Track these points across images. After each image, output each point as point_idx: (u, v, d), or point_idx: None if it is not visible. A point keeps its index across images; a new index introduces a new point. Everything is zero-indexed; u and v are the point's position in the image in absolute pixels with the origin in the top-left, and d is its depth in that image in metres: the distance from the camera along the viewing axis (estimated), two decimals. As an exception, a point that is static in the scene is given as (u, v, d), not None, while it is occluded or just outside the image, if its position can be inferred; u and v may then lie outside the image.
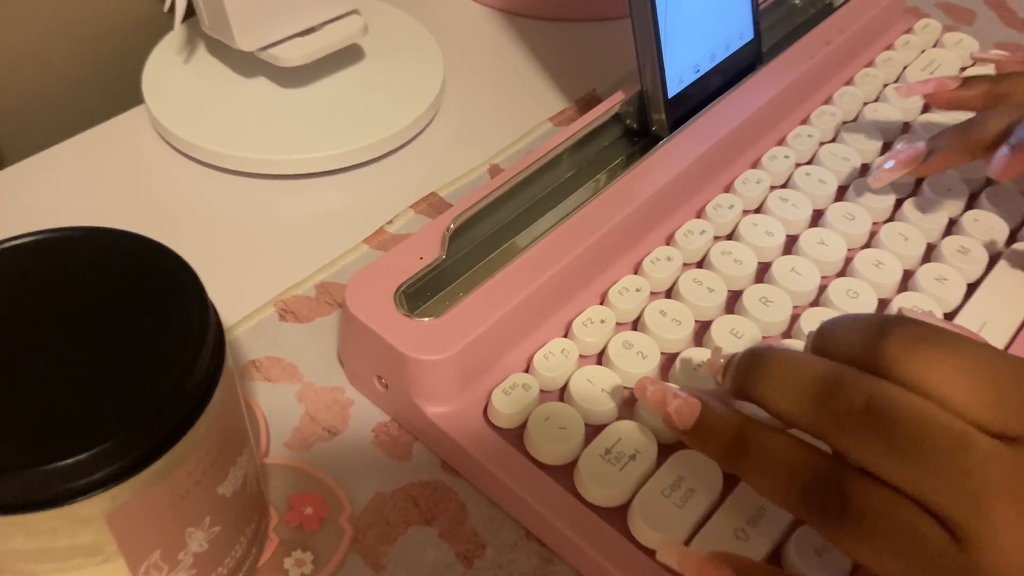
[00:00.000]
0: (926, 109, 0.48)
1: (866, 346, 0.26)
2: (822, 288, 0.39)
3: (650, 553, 0.31)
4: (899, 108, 0.48)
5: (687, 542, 0.30)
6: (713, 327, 0.37)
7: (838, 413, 0.25)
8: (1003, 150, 0.36)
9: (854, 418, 0.25)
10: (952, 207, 0.42)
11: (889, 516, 0.24)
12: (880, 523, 0.24)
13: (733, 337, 0.36)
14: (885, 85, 0.50)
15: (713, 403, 0.29)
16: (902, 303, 0.38)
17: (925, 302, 0.38)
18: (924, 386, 0.24)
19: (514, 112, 0.51)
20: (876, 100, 0.49)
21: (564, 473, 0.33)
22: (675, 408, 0.29)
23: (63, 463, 0.21)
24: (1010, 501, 0.23)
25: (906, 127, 0.47)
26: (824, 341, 0.28)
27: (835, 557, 0.30)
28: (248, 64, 0.49)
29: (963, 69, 0.52)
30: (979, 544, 0.23)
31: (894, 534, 0.24)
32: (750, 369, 0.28)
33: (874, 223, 0.42)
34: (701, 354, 0.36)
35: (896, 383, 0.25)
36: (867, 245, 0.41)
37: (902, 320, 0.26)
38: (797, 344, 0.36)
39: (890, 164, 0.40)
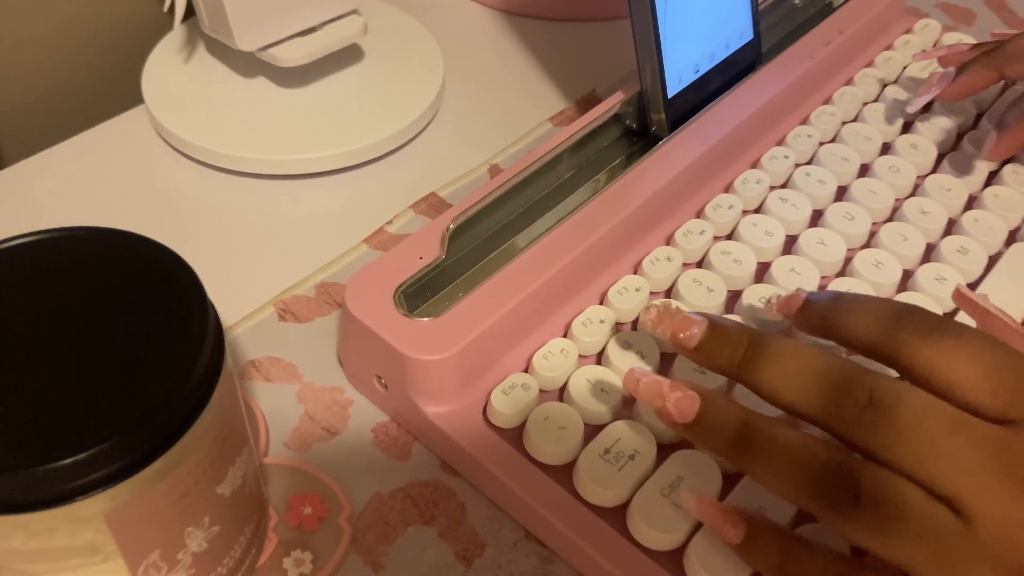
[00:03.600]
0: (926, 110, 0.48)
1: (882, 330, 0.27)
2: (822, 288, 0.39)
3: (649, 553, 0.31)
4: (899, 108, 0.48)
5: (686, 542, 0.31)
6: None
7: (845, 407, 0.26)
8: (992, 135, 0.39)
9: (862, 412, 0.26)
10: (952, 207, 0.42)
11: (902, 501, 0.25)
12: (894, 509, 0.25)
13: (732, 337, 0.36)
14: (885, 85, 0.50)
15: (713, 395, 0.28)
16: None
17: (924, 302, 0.38)
18: (933, 371, 0.26)
19: (514, 112, 0.51)
20: (876, 100, 0.49)
21: (563, 473, 0.33)
22: (674, 401, 0.28)
23: (63, 463, 0.21)
24: (1006, 476, 0.24)
25: (906, 127, 0.47)
26: (837, 318, 0.29)
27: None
28: (248, 64, 0.49)
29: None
30: (981, 518, 0.24)
31: (908, 518, 0.25)
32: (750, 355, 0.28)
33: (874, 223, 0.42)
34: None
35: (907, 367, 0.26)
36: (867, 245, 0.41)
37: (918, 310, 0.27)
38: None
39: (922, 89, 0.43)
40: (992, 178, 0.45)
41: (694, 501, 0.29)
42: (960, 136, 0.47)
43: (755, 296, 0.38)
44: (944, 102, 0.44)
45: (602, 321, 0.37)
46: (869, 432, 0.25)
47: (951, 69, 0.42)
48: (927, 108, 0.48)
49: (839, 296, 0.30)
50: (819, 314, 0.30)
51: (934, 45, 0.53)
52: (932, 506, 0.25)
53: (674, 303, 0.32)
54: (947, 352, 0.26)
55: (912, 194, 0.43)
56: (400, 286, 0.35)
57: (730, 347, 0.29)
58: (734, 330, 0.29)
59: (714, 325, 0.29)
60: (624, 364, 0.35)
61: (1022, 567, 0.24)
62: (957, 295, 0.33)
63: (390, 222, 0.44)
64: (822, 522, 0.26)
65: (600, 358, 0.37)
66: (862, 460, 0.26)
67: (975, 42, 0.52)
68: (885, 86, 0.50)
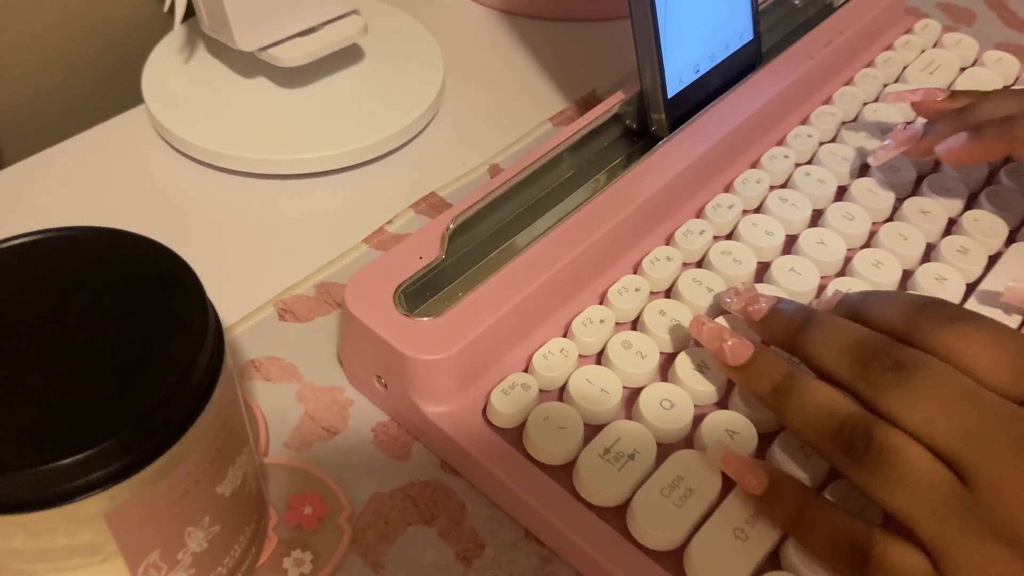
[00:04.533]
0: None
1: (906, 319, 0.30)
2: (822, 288, 0.39)
3: (649, 553, 0.31)
4: (899, 108, 0.48)
5: (686, 542, 0.31)
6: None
7: (871, 369, 0.29)
8: (961, 135, 0.38)
9: (884, 373, 0.28)
10: (952, 207, 0.42)
11: (905, 456, 0.27)
12: (896, 460, 0.27)
13: (732, 337, 0.36)
14: (885, 85, 0.50)
15: (763, 348, 0.32)
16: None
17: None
18: (953, 354, 0.28)
19: (514, 112, 0.51)
20: (876, 100, 0.49)
21: (563, 473, 0.33)
22: (731, 345, 0.32)
23: (62, 463, 0.21)
24: (1010, 446, 0.26)
25: (905, 127, 0.47)
26: (867, 309, 0.32)
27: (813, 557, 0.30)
28: (248, 64, 0.49)
29: (963, 70, 0.52)
30: (981, 482, 0.26)
31: (908, 470, 0.27)
32: (802, 327, 0.32)
33: (874, 223, 0.42)
34: (701, 354, 0.36)
35: (928, 350, 0.29)
36: (867, 245, 0.41)
37: (941, 301, 0.30)
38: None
39: (888, 143, 0.42)
40: (992, 178, 0.45)
41: (720, 453, 0.32)
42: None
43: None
44: (924, 117, 0.44)
45: (602, 321, 0.37)
46: (888, 390, 0.28)
47: (919, 125, 0.41)
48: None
49: (869, 293, 0.33)
50: (850, 310, 0.33)
51: (934, 45, 0.53)
52: (933, 463, 0.27)
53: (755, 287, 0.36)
54: (967, 337, 0.28)
55: (912, 193, 0.43)
56: (400, 286, 0.35)
57: (786, 323, 0.32)
58: (792, 309, 0.33)
59: (778, 304, 0.33)
60: (624, 364, 0.35)
61: (1016, 535, 0.25)
62: (1011, 292, 0.37)
63: (390, 222, 0.44)
64: (837, 467, 0.29)
65: (600, 358, 0.37)
66: (880, 419, 0.28)
67: (974, 46, 0.52)
68: (885, 86, 0.50)
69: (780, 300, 0.34)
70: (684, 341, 0.37)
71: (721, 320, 0.36)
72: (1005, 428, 0.26)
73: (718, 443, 0.32)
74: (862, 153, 0.45)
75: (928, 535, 0.26)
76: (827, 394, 0.30)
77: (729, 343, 0.32)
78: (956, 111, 0.40)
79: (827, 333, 0.31)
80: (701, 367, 0.35)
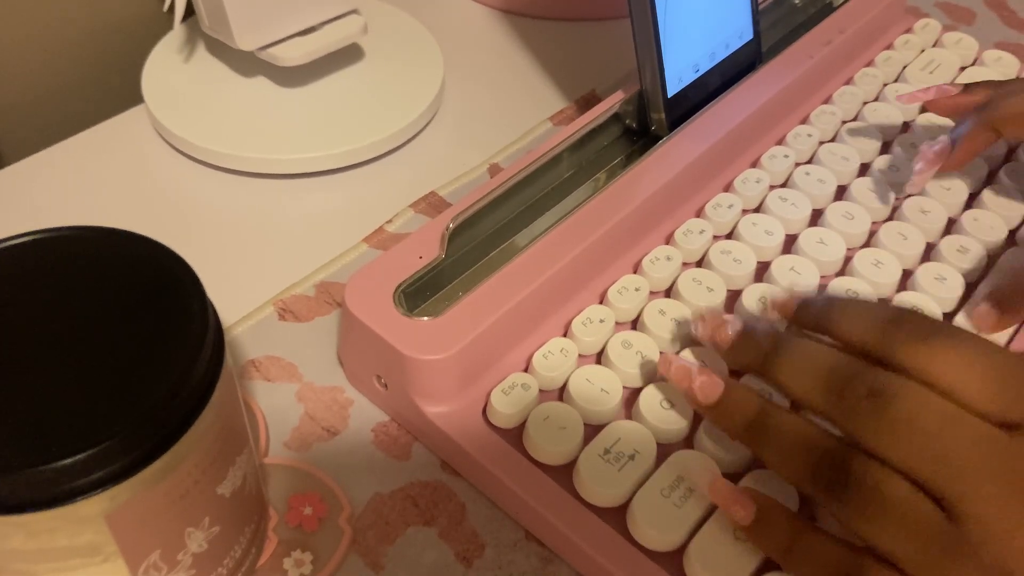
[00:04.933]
0: (925, 110, 0.48)
1: (881, 333, 0.28)
2: (822, 287, 0.39)
3: (649, 553, 0.31)
4: (899, 108, 0.48)
5: (686, 542, 0.31)
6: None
7: (846, 398, 0.27)
8: (943, 138, 0.38)
9: (859, 402, 0.27)
10: (952, 207, 0.42)
11: (885, 491, 0.26)
12: (877, 498, 0.26)
13: (732, 337, 0.36)
14: (885, 85, 0.50)
15: (734, 383, 0.31)
16: (901, 302, 0.38)
17: (924, 302, 0.38)
18: (931, 375, 0.26)
19: (514, 112, 0.51)
20: (876, 100, 0.49)
21: (563, 473, 0.33)
22: (699, 384, 0.31)
23: (63, 463, 0.21)
24: (997, 479, 0.24)
25: (906, 127, 0.47)
26: (840, 318, 0.30)
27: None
28: (248, 64, 0.49)
29: (962, 69, 0.52)
30: (967, 518, 0.25)
31: (890, 508, 0.26)
32: (771, 353, 0.30)
33: (873, 222, 0.42)
34: (700, 354, 0.36)
35: (904, 370, 0.27)
36: (866, 244, 0.41)
37: (915, 314, 0.28)
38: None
39: (920, 166, 0.40)
40: (991, 177, 0.45)
41: (706, 481, 0.31)
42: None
43: (755, 295, 0.38)
44: (940, 115, 0.43)
45: (602, 321, 0.37)
46: (865, 421, 0.26)
47: (945, 139, 0.39)
48: (925, 109, 0.48)
49: (832, 300, 0.31)
50: (814, 317, 0.31)
51: (934, 44, 0.53)
52: (916, 499, 0.25)
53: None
54: (946, 355, 0.26)
55: (912, 193, 0.43)
56: (400, 285, 0.35)
57: (754, 349, 0.31)
58: (761, 333, 0.31)
59: (744, 330, 0.32)
60: (624, 364, 0.35)
61: (1006, 573, 0.24)
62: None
63: (390, 221, 0.44)
64: (820, 504, 0.28)
65: (600, 358, 0.37)
66: (858, 452, 0.27)
67: (974, 46, 0.52)
68: (885, 86, 0.50)
69: (747, 324, 0.32)
70: (684, 341, 0.37)
71: (687, 354, 0.35)
72: (988, 459, 0.25)
73: (705, 470, 0.31)
74: (862, 153, 0.45)
75: (914, 572, 0.26)
76: (802, 429, 0.28)
77: (698, 382, 0.31)
78: (974, 112, 0.39)
79: (797, 360, 0.29)
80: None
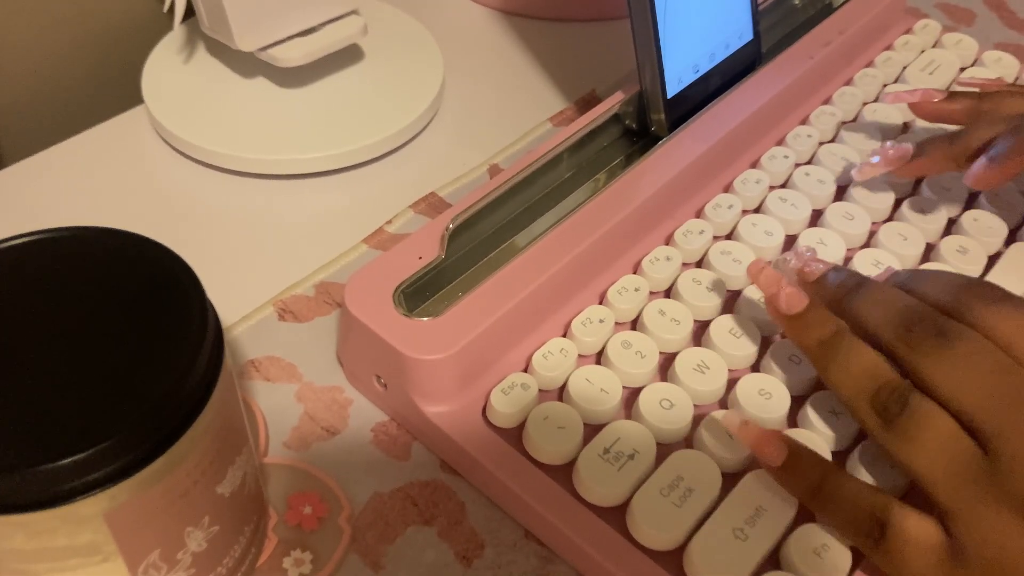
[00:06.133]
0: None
1: (952, 295, 0.30)
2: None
3: (649, 553, 0.31)
4: (898, 108, 0.48)
5: (686, 542, 0.31)
6: (712, 327, 0.37)
7: (914, 333, 0.30)
8: (982, 160, 0.38)
9: (925, 338, 0.29)
10: (951, 207, 0.42)
11: (934, 423, 0.28)
12: (926, 426, 0.28)
13: (732, 337, 0.36)
14: (885, 85, 0.50)
15: (817, 301, 0.33)
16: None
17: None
18: (994, 331, 0.29)
19: (514, 112, 0.51)
20: (876, 100, 0.49)
21: (563, 473, 0.33)
22: (787, 293, 0.33)
23: (62, 463, 0.21)
24: None
25: (905, 127, 0.47)
26: (915, 283, 0.32)
27: (833, 557, 0.30)
28: (248, 64, 0.49)
29: (962, 70, 0.52)
30: (1002, 453, 0.27)
31: (933, 435, 0.28)
32: (854, 289, 0.32)
33: (873, 223, 0.42)
34: (700, 354, 0.36)
35: (971, 326, 0.29)
36: (866, 245, 0.41)
37: (988, 283, 0.31)
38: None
39: (876, 159, 0.41)
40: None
41: (736, 424, 0.32)
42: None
43: (755, 296, 0.38)
44: (922, 118, 0.43)
45: (602, 321, 0.37)
46: (927, 356, 0.29)
47: (909, 146, 0.40)
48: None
49: (918, 270, 0.33)
50: (899, 284, 0.33)
51: (934, 45, 0.53)
52: (959, 432, 0.28)
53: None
54: (1010, 318, 0.29)
55: (912, 193, 0.43)
56: (400, 286, 0.35)
57: (838, 284, 0.33)
58: (846, 274, 0.33)
59: (834, 268, 0.34)
60: (623, 364, 0.35)
61: None
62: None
63: (390, 222, 0.44)
64: (867, 428, 0.30)
65: (600, 358, 0.37)
66: (917, 389, 0.29)
67: (973, 47, 0.52)
68: (885, 86, 0.50)
69: (835, 266, 0.34)
70: (684, 341, 0.37)
71: (692, 353, 0.36)
72: None
73: (734, 412, 0.32)
74: (862, 153, 0.45)
75: (944, 498, 0.27)
76: (871, 357, 0.30)
77: (786, 291, 0.33)
78: (947, 137, 0.40)
79: (876, 297, 0.32)
80: (701, 367, 0.35)
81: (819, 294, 0.34)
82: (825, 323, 0.32)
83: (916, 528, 0.28)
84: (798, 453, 0.31)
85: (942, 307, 0.31)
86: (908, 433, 0.28)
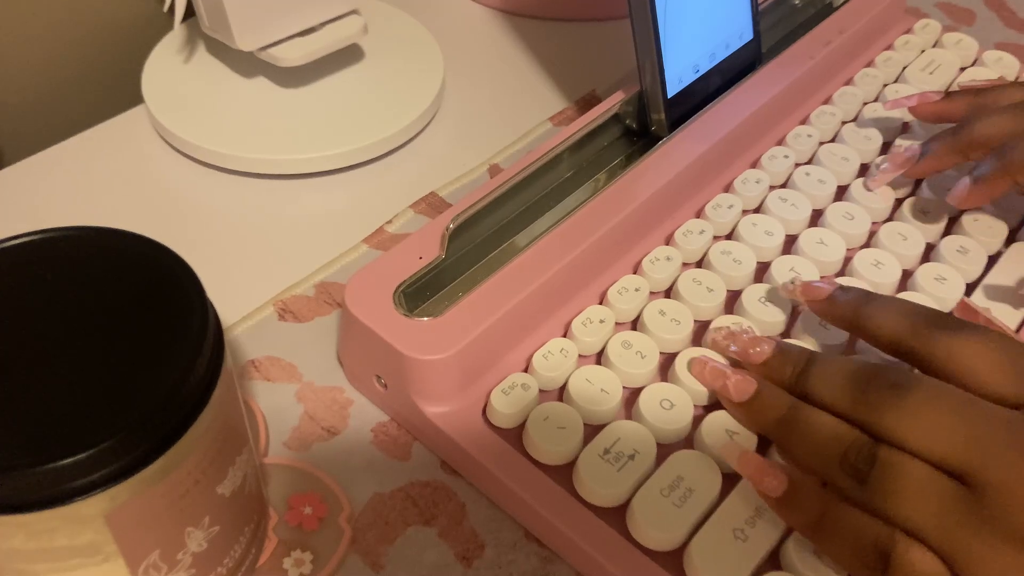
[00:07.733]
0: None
1: (909, 326, 0.31)
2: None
3: (649, 553, 0.31)
4: (898, 109, 0.48)
5: (686, 542, 0.31)
6: (712, 327, 0.37)
7: (870, 392, 0.29)
8: (965, 181, 0.38)
9: (881, 394, 0.29)
10: (952, 207, 0.42)
11: (906, 470, 0.28)
12: (900, 475, 0.28)
13: (732, 337, 0.36)
14: (885, 85, 0.50)
15: (764, 382, 0.33)
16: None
17: (924, 302, 0.38)
18: (954, 359, 0.29)
19: (514, 112, 0.51)
20: (876, 100, 0.49)
21: (563, 473, 0.33)
22: (735, 382, 0.33)
23: (62, 463, 0.21)
24: (1014, 447, 0.26)
25: (905, 127, 0.47)
26: (868, 315, 0.32)
27: (832, 560, 0.30)
28: (248, 64, 0.49)
29: (963, 69, 0.52)
30: (988, 487, 0.26)
31: (911, 483, 0.27)
32: (804, 368, 0.32)
33: (873, 223, 0.42)
34: (700, 353, 0.36)
35: (928, 359, 0.30)
36: (866, 245, 0.41)
37: (943, 313, 0.31)
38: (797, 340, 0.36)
39: (885, 166, 0.42)
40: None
41: (736, 454, 0.31)
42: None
43: (755, 296, 0.38)
44: (922, 120, 0.44)
45: (602, 321, 0.37)
46: (887, 410, 0.28)
47: (916, 147, 0.41)
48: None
49: (868, 296, 0.33)
50: (849, 309, 0.33)
51: (934, 45, 0.53)
52: (936, 475, 0.27)
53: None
54: (969, 344, 0.29)
55: (912, 194, 0.43)
56: (400, 286, 0.35)
57: (791, 364, 0.32)
58: (795, 351, 0.33)
59: (779, 347, 0.33)
60: (624, 364, 0.35)
61: None
62: (962, 307, 0.36)
63: (390, 222, 0.44)
64: (845, 493, 0.29)
65: (600, 358, 0.37)
66: (882, 442, 0.29)
67: (974, 46, 0.52)
68: (885, 86, 0.50)
69: (779, 343, 0.34)
70: (684, 341, 0.37)
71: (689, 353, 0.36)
72: (1007, 432, 0.27)
73: (733, 443, 0.32)
74: (862, 153, 0.45)
75: (938, 543, 0.27)
76: (830, 423, 0.30)
77: (732, 380, 0.33)
78: (950, 131, 0.40)
79: (827, 370, 0.31)
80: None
81: (770, 377, 0.33)
82: (779, 402, 0.32)
83: (920, 560, 0.27)
84: (797, 484, 0.30)
85: (896, 343, 0.31)
86: (885, 485, 0.28)
